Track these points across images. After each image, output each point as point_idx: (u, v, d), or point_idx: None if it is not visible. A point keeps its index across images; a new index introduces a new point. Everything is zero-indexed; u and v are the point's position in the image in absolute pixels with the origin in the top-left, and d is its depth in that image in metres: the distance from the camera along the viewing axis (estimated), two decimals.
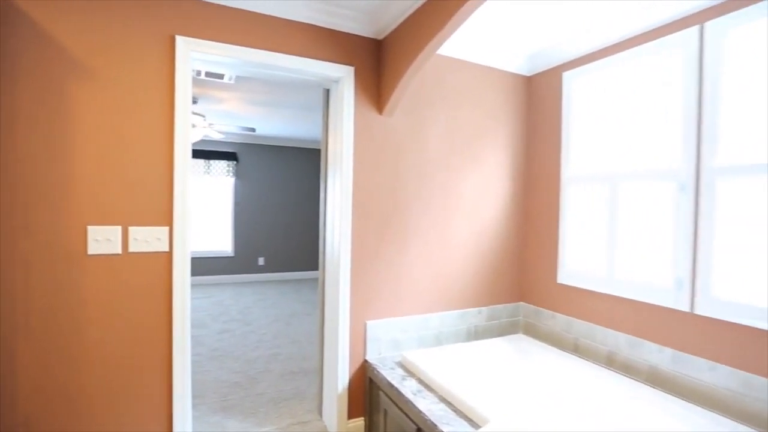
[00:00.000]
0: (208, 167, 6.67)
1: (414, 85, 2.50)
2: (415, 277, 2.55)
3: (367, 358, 2.42)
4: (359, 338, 2.41)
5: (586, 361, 2.31)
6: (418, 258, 2.55)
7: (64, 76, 1.77)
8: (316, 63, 2.23)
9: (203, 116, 4.39)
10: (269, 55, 2.12)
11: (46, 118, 1.74)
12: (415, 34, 2.04)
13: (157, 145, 1.94)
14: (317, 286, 6.71)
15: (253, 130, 4.55)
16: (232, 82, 3.73)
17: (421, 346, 2.58)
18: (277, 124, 5.78)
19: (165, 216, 1.98)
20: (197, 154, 6.58)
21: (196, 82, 3.79)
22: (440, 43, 1.91)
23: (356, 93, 2.36)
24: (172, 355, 1.98)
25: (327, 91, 2.60)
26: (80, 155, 1.81)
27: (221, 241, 6.93)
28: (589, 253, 2.41)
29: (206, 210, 6.82)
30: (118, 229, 1.89)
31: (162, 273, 1.98)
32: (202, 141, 6.65)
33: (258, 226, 7.09)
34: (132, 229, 1.91)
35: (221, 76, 3.58)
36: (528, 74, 2.85)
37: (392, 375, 2.19)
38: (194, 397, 2.87)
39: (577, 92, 2.51)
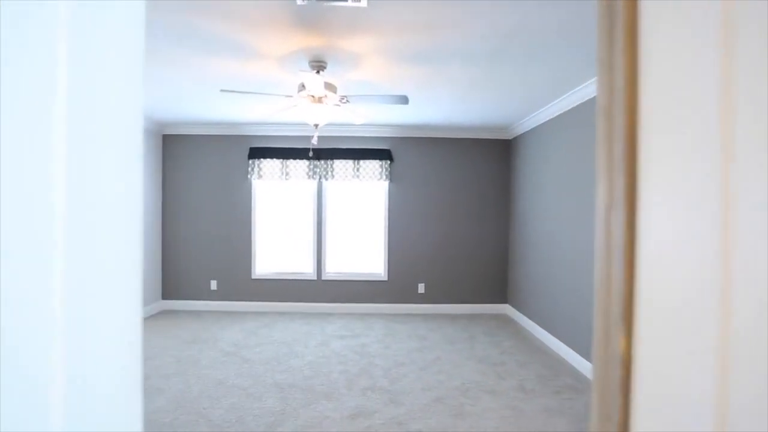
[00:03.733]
0: (357, 169, 5.41)
1: None
2: None
3: None
4: None
5: None
6: None
7: None
8: None
9: (333, 86, 2.95)
10: None
11: None
12: None
13: None
14: (500, 330, 4.73)
15: (406, 100, 2.92)
16: (362, 3, 2.13)
17: None
18: (442, 99, 4.07)
19: None
20: (343, 153, 5.38)
21: (310, 17, 2.32)
22: None
23: None
24: None
25: None
26: None
27: (372, 262, 5.58)
28: None
29: (355, 222, 5.56)
30: None
31: None
32: (350, 138, 5.43)
33: (418, 243, 5.51)
34: None
35: None
36: None
37: None
38: None
39: None
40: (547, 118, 4.31)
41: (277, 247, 5.56)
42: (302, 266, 5.55)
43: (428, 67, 3.07)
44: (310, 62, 2.97)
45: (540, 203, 4.52)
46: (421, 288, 5.52)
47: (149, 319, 5.05)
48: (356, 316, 5.31)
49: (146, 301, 5.19)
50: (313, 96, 2.99)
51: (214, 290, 5.51)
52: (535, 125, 4.66)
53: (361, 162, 5.41)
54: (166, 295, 5.53)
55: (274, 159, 5.39)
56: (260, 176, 5.40)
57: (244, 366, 3.61)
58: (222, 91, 2.74)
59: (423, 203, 5.51)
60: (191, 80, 3.46)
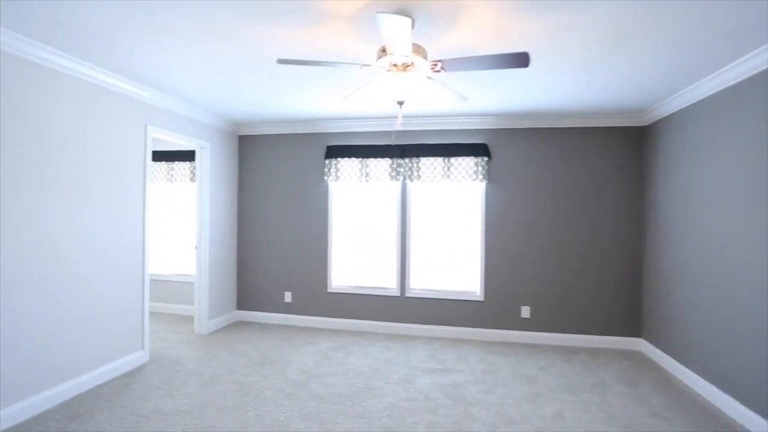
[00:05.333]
0: (447, 168, 4.59)
1: None
2: None
3: None
4: None
5: None
6: None
7: None
8: None
9: (422, 49, 2.20)
10: None
11: None
12: None
13: None
14: (639, 376, 3.56)
15: (526, 59, 2.05)
16: None
17: None
18: (562, 71, 3.11)
19: None
20: (431, 150, 4.59)
21: None
22: None
23: None
24: None
25: None
26: None
27: (466, 278, 4.70)
28: None
29: (445, 231, 4.73)
30: None
31: None
32: (438, 132, 4.64)
33: (522, 257, 4.52)
34: None
35: None
36: None
37: None
38: None
39: None
40: (714, 91, 3.11)
41: (356, 258, 4.95)
42: (383, 280, 4.86)
43: (556, 15, 2.17)
44: None
45: (701, 208, 3.30)
46: (525, 312, 4.51)
47: (222, 331, 4.73)
48: (446, 342, 4.46)
49: (220, 311, 4.89)
50: (396, 64, 2.26)
51: (288, 303, 5.05)
52: (689, 103, 3.45)
53: (453, 160, 4.58)
54: (240, 306, 5.21)
55: (353, 158, 4.80)
56: (338, 178, 4.84)
57: (312, 404, 2.98)
58: (280, 61, 2.13)
59: (528, 208, 4.51)
60: (245, 57, 2.95)
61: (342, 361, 3.85)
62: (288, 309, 5.05)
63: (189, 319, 5.23)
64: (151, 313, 5.48)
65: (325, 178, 4.87)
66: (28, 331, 2.74)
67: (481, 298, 4.59)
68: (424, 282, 4.76)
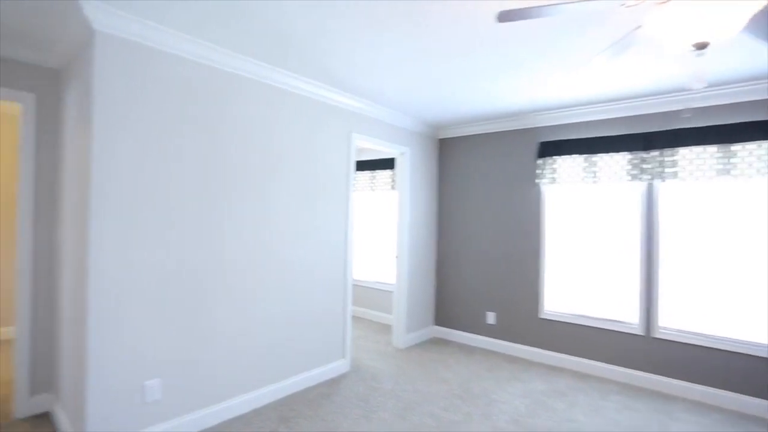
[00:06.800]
0: (726, 159, 3.18)
1: None
2: None
3: None
4: None
5: None
6: None
7: None
8: None
9: None
10: None
11: None
12: None
13: None
14: None
15: None
16: None
17: None
18: None
19: None
20: (693, 136, 3.26)
21: None
22: None
23: None
24: None
25: None
26: None
27: (756, 320, 3.16)
28: None
29: (718, 248, 3.30)
30: None
31: None
32: (708, 109, 3.26)
33: None
34: None
35: None
36: None
37: None
38: None
39: None
40: None
41: (578, 279, 3.95)
42: (619, 311, 3.72)
43: None
44: None
45: None
46: None
47: (419, 347, 4.43)
48: (726, 416, 3.05)
49: (418, 325, 4.62)
50: None
51: (490, 325, 4.42)
52: None
53: (734, 147, 3.15)
54: (438, 321, 4.84)
55: (575, 155, 3.85)
56: (554, 180, 3.97)
57: None
58: (501, 16, 1.55)
59: None
60: (442, 39, 2.46)
61: (564, 415, 2.98)
62: (490, 332, 4.41)
63: (386, 327, 5.16)
64: (353, 317, 5.65)
65: (537, 180, 4.07)
66: (251, 332, 2.90)
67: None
68: (683, 319, 3.41)
